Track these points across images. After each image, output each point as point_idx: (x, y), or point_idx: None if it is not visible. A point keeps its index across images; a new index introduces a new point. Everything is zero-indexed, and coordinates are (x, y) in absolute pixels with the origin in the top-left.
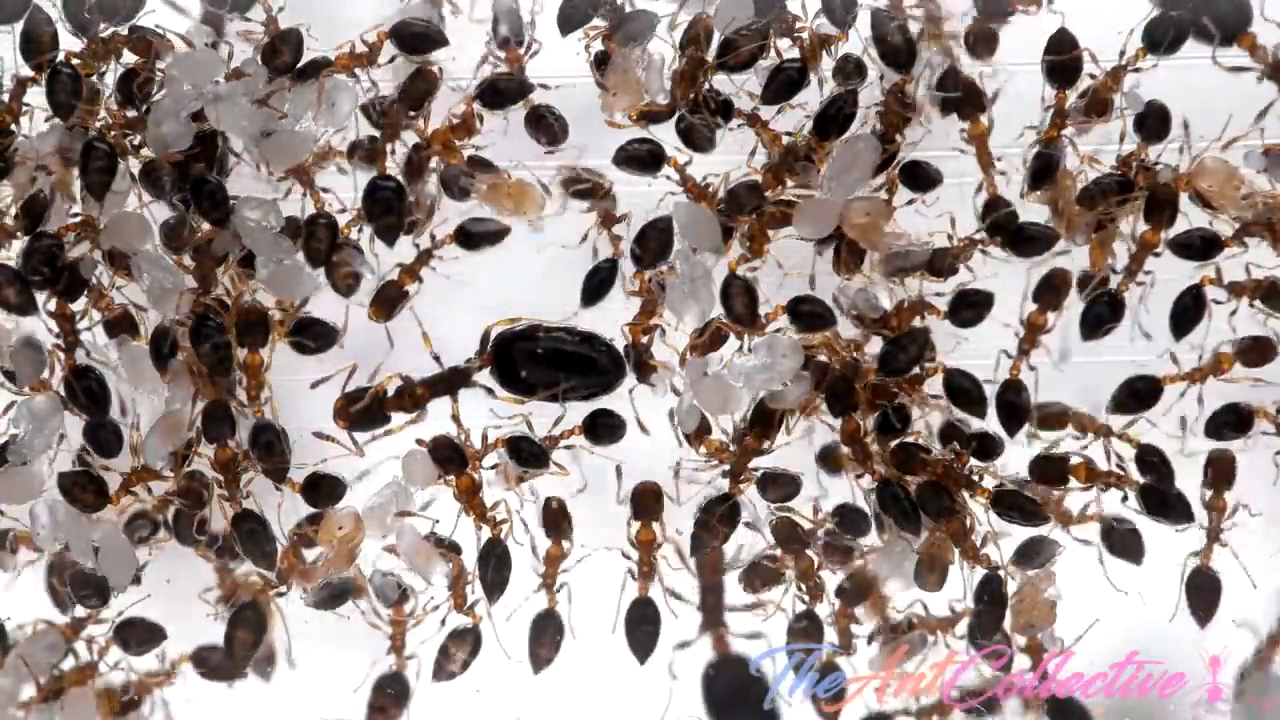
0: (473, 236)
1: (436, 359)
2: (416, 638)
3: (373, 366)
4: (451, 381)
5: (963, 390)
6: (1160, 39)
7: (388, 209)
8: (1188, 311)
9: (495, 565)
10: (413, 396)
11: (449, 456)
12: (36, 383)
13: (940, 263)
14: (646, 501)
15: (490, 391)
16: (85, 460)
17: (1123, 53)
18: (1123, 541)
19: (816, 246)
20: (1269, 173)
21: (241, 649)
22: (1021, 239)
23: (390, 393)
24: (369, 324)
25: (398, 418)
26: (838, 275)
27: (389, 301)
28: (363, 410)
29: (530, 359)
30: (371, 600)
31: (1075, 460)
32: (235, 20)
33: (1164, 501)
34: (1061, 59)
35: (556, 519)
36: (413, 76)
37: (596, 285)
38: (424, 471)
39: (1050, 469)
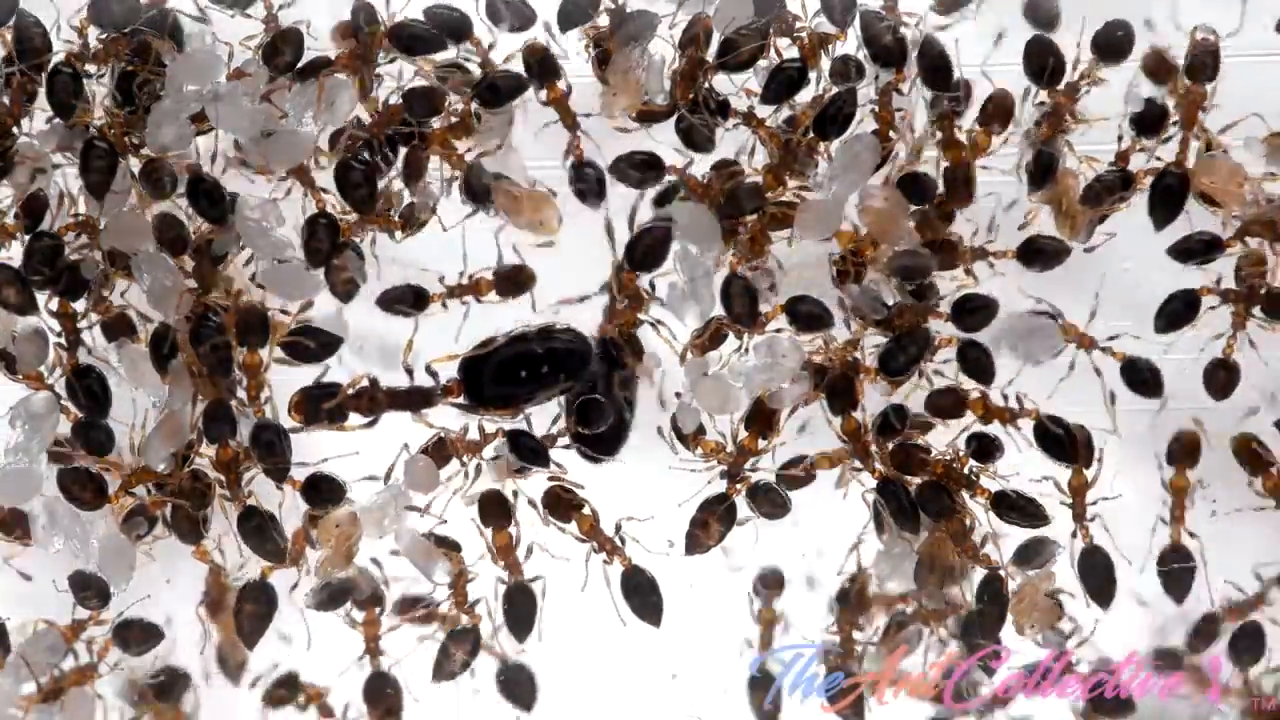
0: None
1: (409, 371)
2: (414, 637)
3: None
4: (412, 399)
5: (975, 360)
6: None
7: (358, 184)
8: (1177, 315)
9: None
10: (372, 401)
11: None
12: (35, 378)
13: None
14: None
15: (472, 409)
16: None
17: (1076, 62)
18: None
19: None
20: (1268, 161)
21: (250, 622)
22: (1031, 251)
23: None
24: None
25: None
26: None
27: None
28: (318, 407)
29: (501, 373)
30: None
31: (973, 395)
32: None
33: (1059, 440)
34: (1045, 63)
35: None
36: (418, 93)
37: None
38: (427, 478)
39: (944, 402)
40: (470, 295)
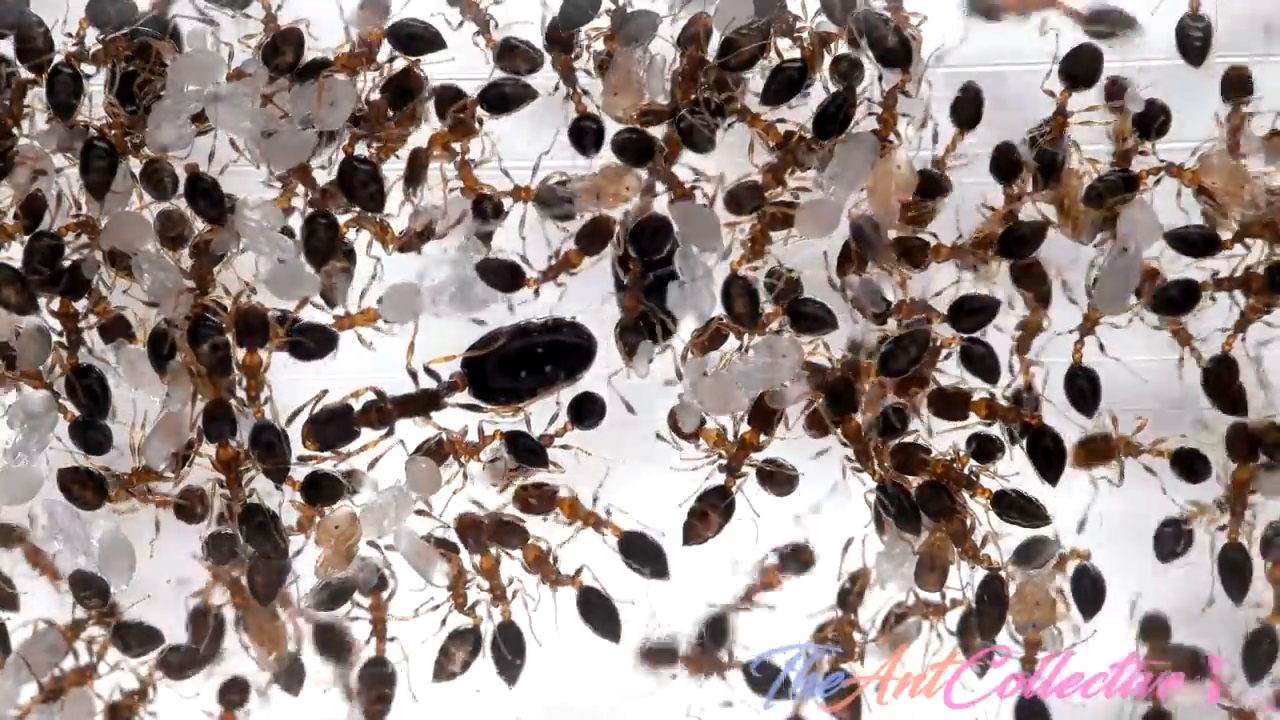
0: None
1: (413, 375)
2: (416, 637)
3: (369, 376)
4: (421, 404)
5: (978, 358)
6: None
7: (364, 182)
8: (1172, 303)
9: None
10: (381, 413)
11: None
12: (34, 378)
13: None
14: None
15: (477, 408)
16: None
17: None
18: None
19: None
20: (1265, 157)
21: (265, 573)
22: (1011, 239)
23: (359, 408)
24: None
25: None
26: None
27: None
28: (330, 428)
29: (504, 369)
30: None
31: (976, 397)
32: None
33: (1045, 448)
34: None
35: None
36: (398, 76)
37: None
38: (429, 480)
39: (951, 403)
40: (561, 273)
